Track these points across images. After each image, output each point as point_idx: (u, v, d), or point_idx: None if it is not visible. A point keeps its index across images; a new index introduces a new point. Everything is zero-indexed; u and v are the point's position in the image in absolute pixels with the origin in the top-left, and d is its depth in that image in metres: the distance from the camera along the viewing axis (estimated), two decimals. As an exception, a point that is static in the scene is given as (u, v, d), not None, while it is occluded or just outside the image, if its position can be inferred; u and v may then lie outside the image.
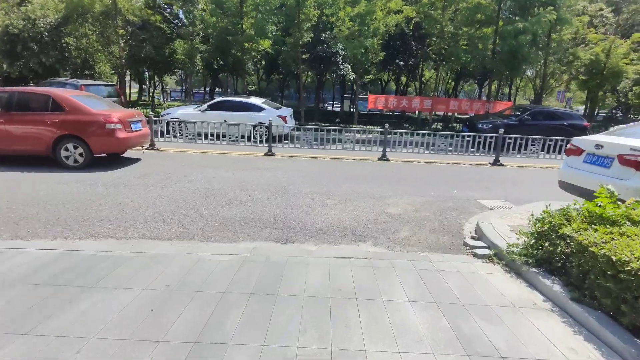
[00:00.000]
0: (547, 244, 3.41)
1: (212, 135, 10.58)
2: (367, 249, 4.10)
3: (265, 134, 11.34)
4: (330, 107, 38.61)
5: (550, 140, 10.48)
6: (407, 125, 19.56)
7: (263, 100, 13.82)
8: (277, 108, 13.84)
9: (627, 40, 16.89)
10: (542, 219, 3.56)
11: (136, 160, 8.33)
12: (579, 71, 17.67)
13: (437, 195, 6.64)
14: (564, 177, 5.42)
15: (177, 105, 19.14)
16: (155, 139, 10.14)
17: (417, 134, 10.54)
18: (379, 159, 10.15)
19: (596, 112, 22.48)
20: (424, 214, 5.50)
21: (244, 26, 16.03)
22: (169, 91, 45.53)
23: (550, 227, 3.42)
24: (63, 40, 15.55)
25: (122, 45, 16.17)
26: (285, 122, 12.90)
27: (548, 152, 10.58)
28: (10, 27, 14.77)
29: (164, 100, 33.69)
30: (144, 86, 33.56)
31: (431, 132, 10.50)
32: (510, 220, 4.96)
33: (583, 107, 26.20)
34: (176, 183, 6.46)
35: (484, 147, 10.51)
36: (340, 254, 3.88)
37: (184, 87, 33.29)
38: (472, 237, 4.60)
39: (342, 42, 14.46)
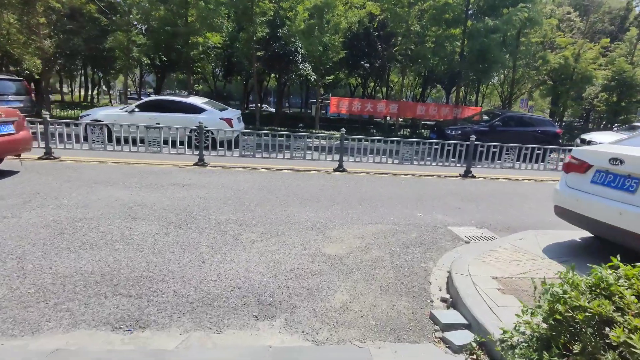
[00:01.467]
0: (576, 346, 1.87)
1: (142, 141, 8.55)
2: (270, 339, 2.42)
3: (205, 140, 9.52)
4: (295, 110, 37.05)
5: (527, 148, 9.31)
6: (373, 131, 18.26)
7: (205, 100, 11.95)
8: (222, 109, 12.02)
9: (597, 44, 16.50)
10: (558, 297, 2.02)
11: (7, 174, 6.26)
12: (548, 76, 17.09)
13: (397, 220, 5.10)
14: (563, 201, 4.00)
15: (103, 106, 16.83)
16: (59, 146, 8.05)
17: (380, 141, 9.07)
18: (334, 170, 8.57)
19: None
20: (376, 254, 3.90)
21: (188, 18, 14.14)
22: (128, 92, 42.27)
23: (576, 314, 1.88)
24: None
25: (42, 36, 13.78)
26: (231, 126, 11.11)
27: (524, 162, 9.40)
28: None
29: (119, 102, 30.78)
30: (101, 87, 30.55)
31: (395, 139, 9.06)
32: (496, 266, 3.46)
33: (547, 115, 26.25)
34: (32, 210, 4.52)
35: (453, 156, 9.19)
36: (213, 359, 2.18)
37: (140, 89, 30.73)
38: (443, 300, 3.05)
39: (299, 37, 12.94)
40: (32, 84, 16.08)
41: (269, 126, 15.73)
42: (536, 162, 9.33)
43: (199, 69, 20.24)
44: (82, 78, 26.57)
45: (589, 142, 13.64)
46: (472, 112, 16.90)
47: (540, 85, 18.28)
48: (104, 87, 34.04)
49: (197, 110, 11.17)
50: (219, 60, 20.90)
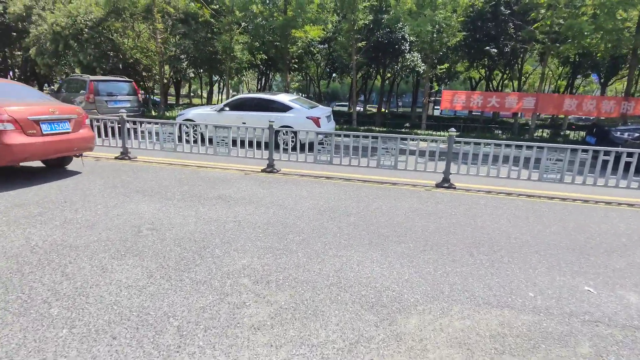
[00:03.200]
0: None
1: (225, 141, 7.55)
2: None
3: (292, 141, 8.23)
4: (406, 109, 34.28)
5: None
6: (498, 132, 14.70)
7: (293, 97, 10.77)
8: (312, 107, 10.67)
9: None
10: None
11: (68, 174, 5.91)
12: None
13: (543, 302, 2.74)
14: None
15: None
16: (133, 146, 7.74)
17: (508, 146, 6.33)
18: (437, 185, 6.26)
19: None
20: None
21: (287, 11, 13.28)
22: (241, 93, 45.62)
23: None
24: (103, 38, 14.72)
25: (159, 40, 14.71)
26: (318, 125, 9.69)
27: None
28: (55, 25, 14.36)
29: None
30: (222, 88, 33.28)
31: (532, 144, 6.19)
32: None
33: None
34: (29, 227, 3.67)
35: (626, 171, 5.84)
36: None
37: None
38: None
39: (404, 18, 10.71)
40: (143, 85, 17.60)
41: (366, 126, 13.87)
42: None
43: (301, 67, 19.59)
44: (202, 80, 28.94)
45: None
46: (655, 106, 11.97)
47: None
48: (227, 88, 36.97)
49: (284, 108, 10.06)
50: (321, 58, 19.94)
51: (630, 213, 5.19)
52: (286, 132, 7.44)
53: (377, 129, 13.19)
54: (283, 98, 10.41)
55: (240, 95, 11.17)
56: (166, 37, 15.39)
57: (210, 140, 7.54)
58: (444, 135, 10.21)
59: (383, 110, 30.11)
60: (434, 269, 3.19)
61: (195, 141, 7.54)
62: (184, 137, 7.56)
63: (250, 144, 7.36)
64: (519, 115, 15.35)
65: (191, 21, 15.86)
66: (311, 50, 18.90)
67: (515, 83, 22.74)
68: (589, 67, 20.51)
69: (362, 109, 24.53)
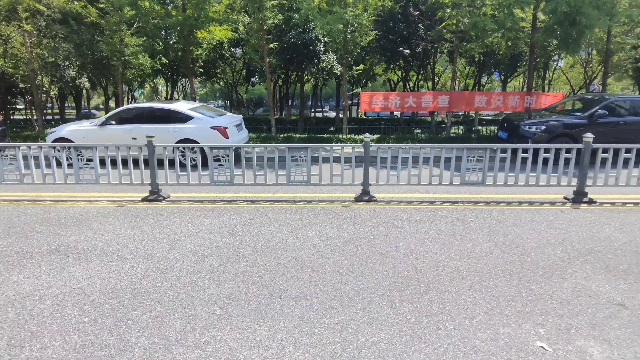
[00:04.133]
0: None
1: (90, 165, 5.82)
2: None
3: (192, 159, 6.81)
4: (321, 114, 34.19)
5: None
6: (418, 131, 14.74)
7: (194, 105, 9.33)
8: (220, 115, 9.33)
9: None
10: None
11: None
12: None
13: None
14: None
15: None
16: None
17: (427, 148, 5.75)
18: (356, 200, 5.43)
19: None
20: None
21: (186, 9, 11.76)
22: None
23: None
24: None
25: (28, 45, 12.11)
26: (226, 136, 8.42)
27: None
28: None
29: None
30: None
31: (452, 146, 5.69)
32: None
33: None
34: None
35: (546, 165, 5.62)
36: None
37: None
38: None
39: (313, 16, 10.01)
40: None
41: (287, 133, 12.89)
42: None
43: (214, 72, 17.96)
44: (108, 90, 25.55)
45: None
46: (551, 100, 12.79)
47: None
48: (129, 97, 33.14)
49: (183, 118, 8.59)
50: (236, 61, 18.56)
51: (554, 213, 4.84)
52: (183, 147, 6.02)
53: (298, 135, 12.28)
54: (181, 107, 8.92)
55: (128, 106, 9.43)
56: (37, 40, 12.76)
57: (99, 161, 5.72)
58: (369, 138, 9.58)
59: (308, 115, 29.55)
60: (342, 347, 2.20)
61: (101, 161, 5.73)
62: (52, 161, 5.75)
63: (136, 163, 5.80)
64: (436, 114, 15.64)
65: (71, 22, 13.41)
66: (223, 53, 17.42)
67: (430, 83, 23.67)
68: (492, 65, 22.01)
69: (286, 115, 23.62)
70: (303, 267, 3.25)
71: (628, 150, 5.45)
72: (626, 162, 5.46)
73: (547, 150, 5.51)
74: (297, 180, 5.61)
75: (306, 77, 18.79)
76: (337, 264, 3.31)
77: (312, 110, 32.50)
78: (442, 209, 5.05)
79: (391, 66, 20.26)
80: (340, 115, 17.03)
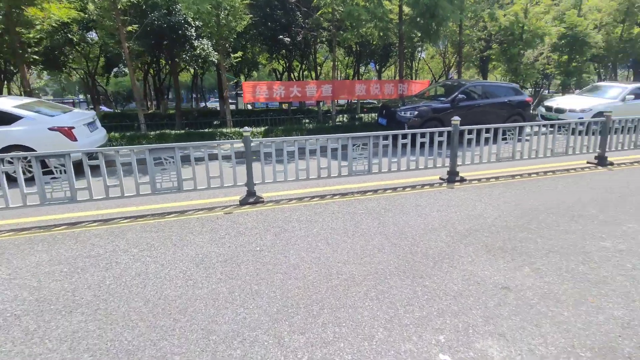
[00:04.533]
0: None
1: None
2: None
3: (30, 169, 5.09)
4: (207, 106, 32.18)
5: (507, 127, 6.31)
6: (305, 121, 14.63)
7: (24, 102, 7.27)
8: (64, 112, 7.47)
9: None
10: None
11: None
12: (497, 37, 14.74)
13: None
14: None
15: None
16: None
17: (312, 139, 5.42)
18: (241, 203, 4.79)
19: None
20: None
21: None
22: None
23: None
24: None
25: None
26: (73, 138, 6.78)
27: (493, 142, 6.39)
28: None
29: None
30: None
31: (339, 136, 5.47)
32: None
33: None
34: None
35: (424, 149, 5.87)
36: None
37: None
38: None
39: (176, -5, 8.78)
40: None
41: (161, 130, 11.29)
42: (519, 140, 6.36)
43: (60, 60, 14.73)
44: None
45: (557, 110, 11.44)
46: (419, 87, 14.04)
47: (487, 50, 16.00)
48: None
49: (7, 118, 6.59)
50: (89, 47, 15.55)
51: (434, 195, 5.00)
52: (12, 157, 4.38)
53: (174, 132, 10.84)
54: (4, 104, 6.84)
55: None
56: None
57: None
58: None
59: (189, 108, 27.13)
60: None
61: None
62: None
63: None
64: (322, 103, 15.78)
65: None
66: (71, 37, 14.39)
67: (313, 73, 24.00)
68: (368, 55, 23.36)
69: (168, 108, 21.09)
70: (166, 308, 2.50)
71: (487, 131, 6.02)
72: (486, 141, 6.02)
73: (423, 135, 5.72)
74: (165, 188, 4.67)
75: (182, 66, 16.93)
76: (212, 295, 2.65)
77: (195, 102, 30.02)
78: (333, 202, 4.77)
79: (274, 55, 19.75)
80: (241, 106, 15.86)
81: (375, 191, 5.26)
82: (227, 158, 6.07)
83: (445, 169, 5.86)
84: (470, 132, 5.95)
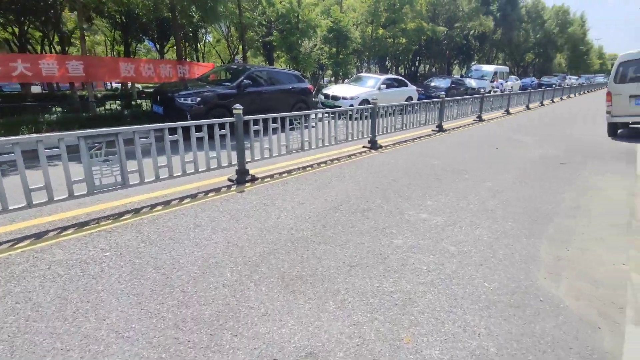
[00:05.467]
0: None
1: None
2: None
3: None
4: None
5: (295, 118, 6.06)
6: (59, 110, 10.76)
7: None
8: None
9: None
10: None
11: None
12: (276, 25, 14.82)
13: None
14: None
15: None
16: None
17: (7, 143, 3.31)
18: None
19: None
20: None
21: None
22: None
23: None
24: None
25: None
26: None
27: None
28: None
29: None
30: None
31: (58, 135, 3.54)
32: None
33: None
34: None
35: (201, 149, 4.74)
36: None
37: None
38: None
39: None
40: None
41: None
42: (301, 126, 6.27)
43: None
44: None
45: (333, 97, 12.48)
46: (204, 70, 12.56)
47: (268, 37, 16.01)
48: None
49: None
50: None
51: (220, 206, 3.92)
52: None
53: None
54: None
55: None
56: None
57: None
58: None
59: None
60: None
61: None
62: None
63: None
64: (93, 85, 11.94)
65: None
66: None
67: (60, 47, 18.49)
68: (140, 30, 19.80)
69: None
70: None
71: (274, 120, 5.36)
72: (274, 131, 5.37)
73: (199, 127, 4.50)
74: None
75: None
76: None
77: None
78: (61, 246, 2.97)
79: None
80: None
81: (137, 211, 3.71)
82: None
83: (234, 168, 4.88)
84: (256, 122, 5.14)
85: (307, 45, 16.20)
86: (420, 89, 15.28)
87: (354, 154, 6.59)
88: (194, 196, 4.22)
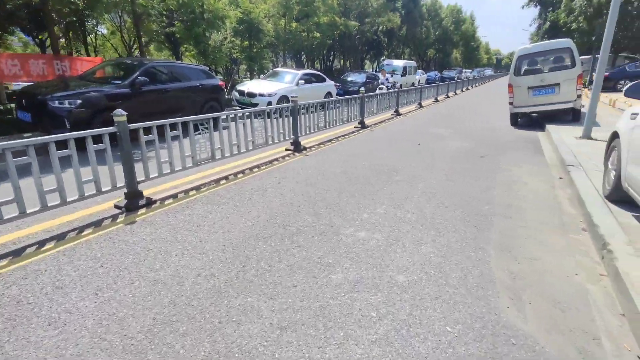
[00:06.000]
0: None
1: None
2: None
3: None
4: None
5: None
6: None
7: None
8: None
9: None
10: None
11: None
12: (180, 15, 13.15)
13: None
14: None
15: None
16: None
17: None
18: None
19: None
20: None
21: None
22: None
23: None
24: None
25: None
26: None
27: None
28: None
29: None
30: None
31: None
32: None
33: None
34: None
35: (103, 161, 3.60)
36: None
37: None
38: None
39: None
40: None
41: None
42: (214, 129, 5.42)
43: None
44: None
45: (249, 94, 11.53)
46: (89, 65, 10.53)
47: (170, 27, 14.21)
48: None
49: None
50: None
51: (100, 250, 2.89)
52: None
53: None
54: None
55: None
56: None
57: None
58: None
59: None
60: None
61: None
62: None
63: None
64: None
65: None
66: None
67: None
68: (6, 19, 16.25)
69: None
70: None
71: (173, 127, 4.36)
72: (176, 139, 4.37)
73: (64, 142, 3.33)
74: None
75: None
76: None
77: None
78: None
79: None
80: None
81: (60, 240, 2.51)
82: None
83: (123, 191, 3.80)
84: (149, 129, 4.10)
85: (216, 37, 14.87)
86: (338, 84, 15.09)
87: (276, 159, 5.86)
88: (61, 237, 3.10)
